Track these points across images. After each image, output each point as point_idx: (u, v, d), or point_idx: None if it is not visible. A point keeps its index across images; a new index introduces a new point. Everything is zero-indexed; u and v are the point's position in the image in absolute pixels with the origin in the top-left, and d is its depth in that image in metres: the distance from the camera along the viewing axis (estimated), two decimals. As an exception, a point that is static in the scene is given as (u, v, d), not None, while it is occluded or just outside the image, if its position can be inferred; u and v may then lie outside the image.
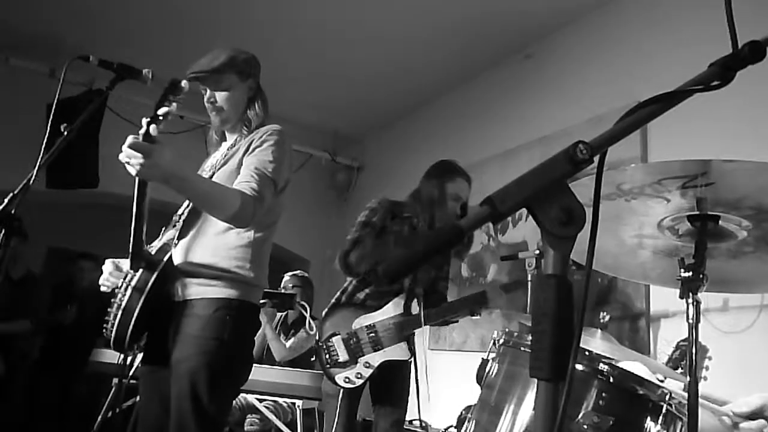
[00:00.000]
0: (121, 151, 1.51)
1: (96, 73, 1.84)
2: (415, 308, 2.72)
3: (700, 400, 1.15)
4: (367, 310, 2.73)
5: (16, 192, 1.63)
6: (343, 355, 2.66)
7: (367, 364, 2.64)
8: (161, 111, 1.52)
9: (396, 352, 2.67)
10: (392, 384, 2.75)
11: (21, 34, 4.47)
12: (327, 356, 2.67)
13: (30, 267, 4.63)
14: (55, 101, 1.80)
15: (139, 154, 1.48)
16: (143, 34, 4.46)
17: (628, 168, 1.20)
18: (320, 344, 2.71)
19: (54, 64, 4.42)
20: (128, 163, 1.51)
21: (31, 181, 1.66)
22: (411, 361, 2.80)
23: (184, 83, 1.61)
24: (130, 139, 1.48)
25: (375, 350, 2.66)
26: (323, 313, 2.82)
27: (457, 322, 2.87)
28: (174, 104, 1.55)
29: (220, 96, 1.97)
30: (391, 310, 2.72)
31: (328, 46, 4.45)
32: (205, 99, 1.98)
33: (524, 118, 4.02)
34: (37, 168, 1.66)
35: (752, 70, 0.75)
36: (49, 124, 1.75)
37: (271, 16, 4.12)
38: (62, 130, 1.73)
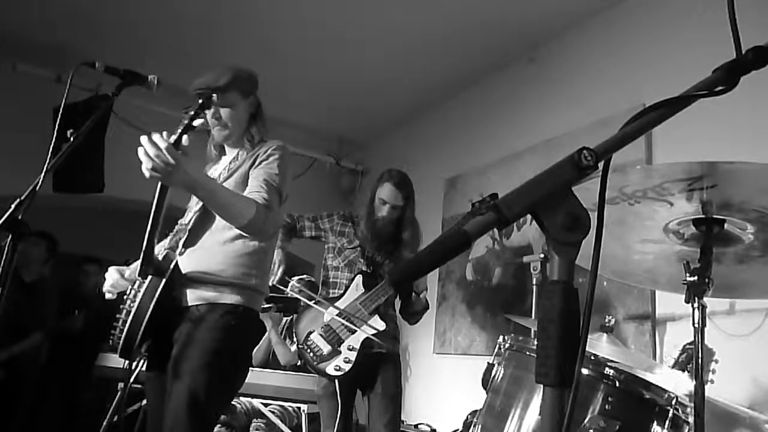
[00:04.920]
0: (140, 158, 1.55)
1: (102, 79, 1.85)
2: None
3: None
4: (332, 302, 2.84)
5: (23, 197, 1.64)
6: (325, 348, 2.71)
7: (351, 347, 2.71)
8: (197, 122, 1.61)
9: (373, 325, 2.76)
10: (383, 377, 2.80)
11: (28, 41, 4.50)
12: (311, 354, 2.73)
13: (44, 272, 4.64)
14: (62, 107, 1.81)
15: (171, 160, 1.53)
16: (149, 40, 4.48)
17: (630, 170, 1.20)
18: (301, 347, 2.78)
19: (60, 70, 4.43)
20: (154, 169, 1.55)
21: (38, 187, 1.67)
22: (399, 355, 2.89)
23: (215, 97, 1.72)
24: (162, 144, 1.53)
25: (352, 332, 2.74)
26: (294, 320, 2.94)
27: (426, 290, 2.91)
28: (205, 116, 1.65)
29: (225, 112, 2.02)
30: (354, 292, 2.84)
31: (332, 50, 4.45)
32: (209, 114, 2.02)
33: (529, 122, 4.02)
34: (44, 173, 1.66)
35: (760, 72, 0.76)
36: (55, 130, 1.76)
37: (276, 22, 4.13)
38: (68, 135, 1.73)
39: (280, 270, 2.86)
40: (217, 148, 2.18)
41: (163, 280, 1.78)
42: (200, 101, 1.69)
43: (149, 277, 1.78)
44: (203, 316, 1.82)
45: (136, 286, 1.79)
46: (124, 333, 1.73)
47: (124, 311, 1.75)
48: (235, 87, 2.01)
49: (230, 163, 2.08)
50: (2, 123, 4.44)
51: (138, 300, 1.75)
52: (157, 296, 1.76)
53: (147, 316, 1.73)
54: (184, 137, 1.58)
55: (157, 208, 1.66)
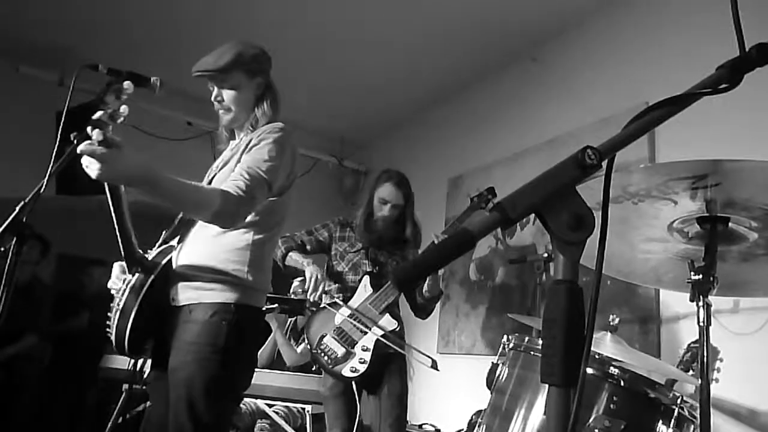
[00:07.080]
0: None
1: (105, 81, 1.83)
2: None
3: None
4: (343, 302, 2.84)
5: (27, 200, 1.64)
6: (339, 350, 2.70)
7: (365, 348, 2.70)
8: (96, 116, 1.44)
9: (384, 325, 2.75)
10: (389, 377, 2.79)
11: (31, 43, 4.51)
12: (326, 358, 2.71)
13: (37, 273, 4.63)
14: (65, 110, 1.80)
15: (93, 159, 1.41)
16: (151, 42, 4.48)
17: (634, 169, 1.20)
18: (315, 351, 2.76)
19: (63, 73, 4.44)
20: (87, 167, 1.44)
21: (42, 189, 1.67)
22: (405, 355, 2.88)
23: (126, 85, 1.53)
24: (82, 146, 1.41)
25: (365, 333, 2.72)
26: (303, 325, 2.91)
27: (441, 294, 2.93)
28: (121, 105, 1.48)
29: (228, 95, 1.91)
30: (363, 293, 2.84)
31: (334, 51, 4.46)
32: (212, 97, 1.93)
33: (531, 122, 4.01)
34: (47, 176, 1.66)
35: (763, 70, 0.75)
36: (58, 132, 1.75)
37: (277, 23, 4.14)
38: (72, 138, 1.73)
39: (332, 289, 2.82)
40: (227, 131, 2.05)
41: (151, 277, 1.72)
42: (99, 90, 1.50)
43: (137, 273, 1.72)
44: (193, 317, 1.71)
45: (124, 283, 1.73)
46: (113, 330, 1.70)
47: (113, 308, 1.71)
48: (239, 67, 1.88)
49: (231, 150, 1.95)
50: (5, 125, 4.46)
51: (124, 297, 1.70)
52: (143, 293, 1.69)
53: (133, 312, 1.67)
54: (96, 133, 1.39)
55: (114, 204, 1.60)
